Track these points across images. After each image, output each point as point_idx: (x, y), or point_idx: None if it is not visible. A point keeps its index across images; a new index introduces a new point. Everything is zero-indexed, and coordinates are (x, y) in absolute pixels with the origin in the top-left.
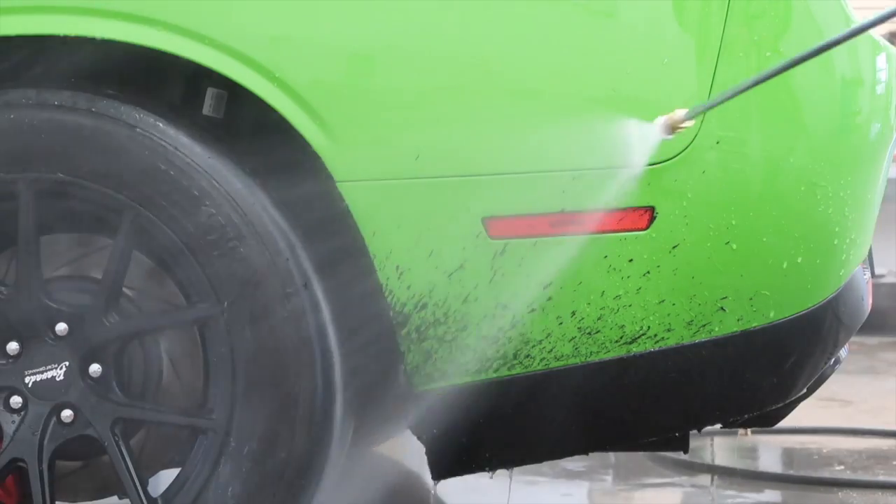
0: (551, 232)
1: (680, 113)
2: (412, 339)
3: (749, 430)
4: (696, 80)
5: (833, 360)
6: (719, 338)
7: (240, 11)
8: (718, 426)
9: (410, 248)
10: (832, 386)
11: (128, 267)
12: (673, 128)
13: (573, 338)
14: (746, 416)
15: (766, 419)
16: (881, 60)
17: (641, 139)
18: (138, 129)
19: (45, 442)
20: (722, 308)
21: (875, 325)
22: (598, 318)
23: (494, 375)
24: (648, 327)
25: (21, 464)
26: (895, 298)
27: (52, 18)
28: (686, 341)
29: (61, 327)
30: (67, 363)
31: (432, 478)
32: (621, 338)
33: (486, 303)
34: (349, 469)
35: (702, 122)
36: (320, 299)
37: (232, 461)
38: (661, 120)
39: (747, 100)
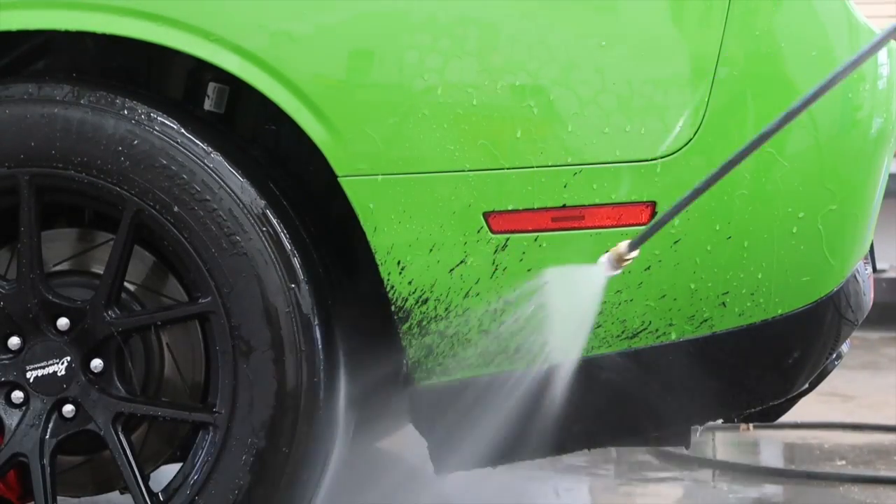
0: (553, 227)
1: (623, 245)
2: (414, 335)
3: (750, 426)
4: (697, 75)
5: (834, 355)
6: (721, 333)
7: (241, 7)
8: (720, 421)
9: (412, 243)
10: (833, 381)
11: (129, 261)
12: (619, 261)
13: None
14: (748, 411)
15: (767, 414)
16: (882, 55)
17: (589, 280)
18: (140, 124)
19: (47, 437)
20: (723, 303)
21: (876, 320)
22: (600, 313)
23: (496, 370)
24: (650, 322)
25: (22, 459)
26: None
27: (54, 14)
28: (687, 336)
29: (63, 322)
30: (69, 358)
31: (434, 472)
32: (623, 332)
33: (488, 298)
34: (351, 464)
35: (703, 118)
36: (323, 294)
37: (233, 456)
38: (605, 257)
39: (748, 96)
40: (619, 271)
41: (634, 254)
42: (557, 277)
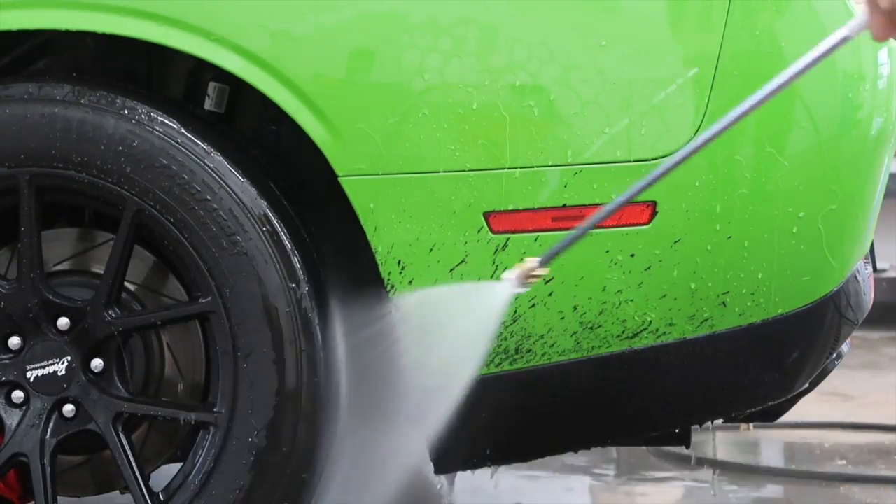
0: (553, 226)
1: (532, 261)
2: None
3: (751, 425)
4: (698, 75)
5: (835, 354)
6: (721, 332)
7: (242, 7)
8: (720, 421)
9: (412, 243)
10: (834, 380)
11: (129, 261)
12: (527, 277)
13: (575, 332)
14: (748, 410)
15: (767, 414)
16: (883, 55)
17: (496, 298)
18: (140, 124)
19: (47, 436)
20: (723, 303)
21: (877, 319)
22: (600, 313)
23: (496, 370)
24: (650, 322)
25: (23, 458)
26: None
27: (54, 14)
28: (688, 336)
29: (63, 322)
30: (69, 358)
31: (434, 472)
32: (623, 332)
33: None
34: (351, 464)
35: (703, 117)
36: (323, 293)
37: (234, 456)
38: (512, 273)
39: (749, 96)
40: (526, 289)
41: (544, 271)
42: (460, 293)
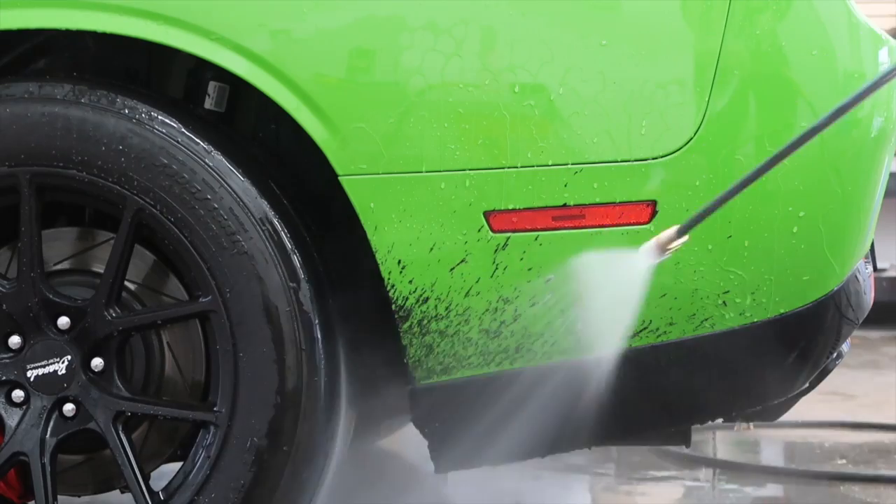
0: (553, 226)
1: (669, 232)
2: (414, 334)
3: (751, 425)
4: (698, 74)
5: (835, 354)
6: (721, 332)
7: (242, 6)
8: (720, 420)
9: (412, 243)
10: (834, 380)
11: (129, 260)
12: (664, 248)
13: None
14: (748, 410)
15: (768, 413)
16: (883, 54)
17: (633, 268)
18: (141, 123)
19: (47, 436)
20: (724, 302)
21: (877, 319)
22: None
23: (496, 369)
24: (650, 321)
25: (23, 458)
26: None
27: (55, 13)
28: (688, 335)
29: (63, 321)
30: (69, 357)
31: (435, 472)
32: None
33: (488, 297)
34: (351, 464)
35: (703, 116)
36: (323, 293)
37: (234, 455)
38: (650, 243)
39: (749, 95)
40: (665, 257)
41: (683, 240)
42: (597, 264)
